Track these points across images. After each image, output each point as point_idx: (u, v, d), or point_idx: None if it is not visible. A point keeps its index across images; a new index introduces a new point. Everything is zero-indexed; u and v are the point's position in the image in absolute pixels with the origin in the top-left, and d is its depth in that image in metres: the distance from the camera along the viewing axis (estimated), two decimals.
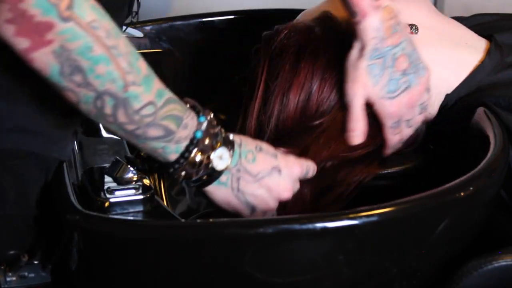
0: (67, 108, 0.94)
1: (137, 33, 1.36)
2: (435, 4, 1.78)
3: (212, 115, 0.93)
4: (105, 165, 0.98)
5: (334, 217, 0.87)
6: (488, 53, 1.17)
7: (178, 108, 0.90)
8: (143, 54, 1.33)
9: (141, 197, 0.94)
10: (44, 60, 0.82)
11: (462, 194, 0.92)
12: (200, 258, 0.88)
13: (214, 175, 0.94)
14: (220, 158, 0.93)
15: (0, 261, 0.94)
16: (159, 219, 0.95)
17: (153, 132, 0.88)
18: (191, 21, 1.42)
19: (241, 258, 0.87)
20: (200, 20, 1.38)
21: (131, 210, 0.94)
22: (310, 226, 0.85)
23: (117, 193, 0.94)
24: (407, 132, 1.09)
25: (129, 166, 0.95)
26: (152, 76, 0.88)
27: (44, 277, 0.94)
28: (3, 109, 0.91)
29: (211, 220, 0.94)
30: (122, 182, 0.95)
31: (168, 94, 0.90)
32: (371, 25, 1.02)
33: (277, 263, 0.88)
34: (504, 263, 0.93)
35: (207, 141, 0.92)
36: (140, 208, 0.94)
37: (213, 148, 0.92)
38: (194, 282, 0.90)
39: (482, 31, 1.23)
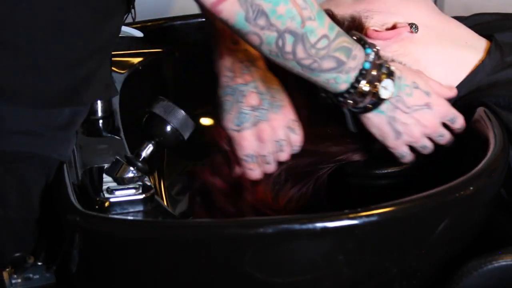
0: (68, 109, 0.94)
1: (137, 33, 1.36)
2: (435, 3, 1.77)
3: (377, 47, 1.01)
4: (105, 165, 0.98)
5: (334, 217, 0.87)
6: (488, 52, 1.16)
7: (347, 40, 0.98)
8: (143, 54, 1.35)
9: (141, 197, 0.94)
10: (230, 9, 0.90)
11: (462, 194, 0.92)
12: (200, 258, 0.88)
13: (378, 103, 1.02)
14: (385, 88, 1.01)
15: (5, 263, 0.94)
16: (159, 219, 0.95)
17: (327, 64, 0.96)
18: (191, 21, 1.42)
19: (241, 258, 0.87)
20: (200, 20, 1.38)
21: (131, 210, 0.94)
22: (310, 226, 0.85)
23: (117, 193, 0.94)
24: (268, 168, 1.10)
25: (129, 166, 0.95)
26: (322, 11, 0.96)
27: (49, 278, 0.94)
28: (3, 110, 0.92)
29: (211, 220, 0.94)
30: (122, 182, 0.95)
31: (337, 27, 0.97)
32: (223, 65, 1.09)
33: (277, 263, 0.88)
34: (504, 263, 0.93)
35: (374, 72, 0.99)
36: (140, 208, 0.94)
37: (379, 79, 1.00)
38: (194, 282, 0.90)
39: (482, 31, 1.23)
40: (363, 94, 1.00)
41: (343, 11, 1.16)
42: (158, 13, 1.56)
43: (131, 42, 1.34)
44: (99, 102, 1.13)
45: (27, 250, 0.96)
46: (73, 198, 0.92)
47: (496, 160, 0.96)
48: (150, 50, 1.35)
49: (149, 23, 1.39)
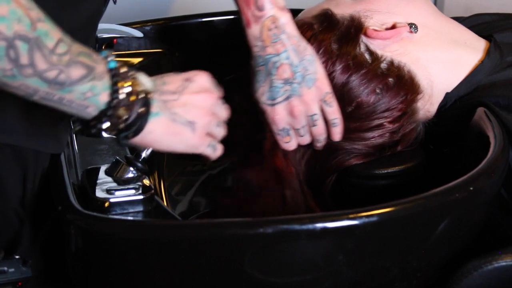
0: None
1: (137, 33, 1.36)
2: (435, 3, 1.77)
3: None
4: (105, 165, 0.98)
5: (334, 217, 0.87)
6: (488, 53, 1.17)
7: (78, 44, 0.84)
8: (143, 54, 1.35)
9: (141, 197, 0.94)
10: None
11: (462, 194, 0.92)
12: (200, 258, 0.88)
13: (147, 103, 0.87)
14: (144, 80, 0.88)
15: None
16: (159, 219, 0.95)
17: (75, 71, 0.82)
18: (191, 21, 1.42)
19: (241, 258, 0.87)
20: (200, 20, 1.38)
21: (131, 210, 0.94)
22: (310, 226, 0.86)
23: (117, 193, 0.94)
24: (303, 140, 1.10)
25: (129, 166, 0.95)
26: (47, 14, 0.82)
27: (25, 272, 0.93)
28: None
29: (211, 220, 0.94)
30: (122, 182, 0.95)
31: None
32: (252, 34, 1.05)
33: (277, 263, 0.88)
34: (504, 263, 0.93)
35: (122, 70, 0.87)
36: (140, 208, 0.94)
37: (133, 75, 0.87)
38: (193, 282, 0.90)
39: (481, 31, 1.23)
40: (129, 94, 0.86)
41: (342, 11, 1.16)
42: (158, 13, 1.56)
43: (131, 42, 1.34)
44: None
45: (3, 243, 0.94)
46: (73, 198, 0.92)
47: (496, 160, 0.96)
48: (150, 50, 1.35)
49: (149, 23, 1.38)
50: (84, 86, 0.83)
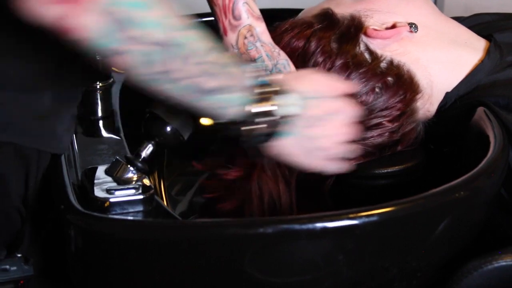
0: (48, 96, 0.91)
1: None
2: (435, 3, 1.77)
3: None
4: (105, 165, 0.98)
5: (334, 217, 0.87)
6: (488, 52, 1.17)
7: (225, 54, 0.90)
8: None
9: (141, 197, 0.94)
10: (88, 22, 0.75)
11: (462, 194, 0.92)
12: (200, 258, 0.88)
13: (283, 123, 0.92)
14: (284, 100, 0.92)
15: None
16: (159, 219, 0.95)
17: (221, 81, 0.86)
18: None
19: (241, 258, 0.87)
20: (200, 20, 1.38)
21: (131, 210, 0.94)
22: (310, 226, 0.85)
23: (117, 193, 0.94)
24: None
25: (129, 166, 0.95)
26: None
27: (27, 270, 0.93)
28: None
29: (211, 220, 0.94)
30: (122, 182, 0.95)
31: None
32: (228, 41, 1.08)
33: (277, 263, 0.87)
34: (504, 263, 0.93)
35: (266, 89, 0.90)
36: (140, 208, 0.94)
37: (273, 93, 0.91)
38: (193, 282, 0.90)
39: (481, 31, 1.23)
40: (268, 113, 0.90)
41: (343, 10, 1.16)
42: None
43: None
44: (99, 102, 1.13)
45: (5, 242, 0.95)
46: (73, 198, 0.92)
47: (496, 160, 0.96)
48: None
49: None
50: (226, 96, 0.87)
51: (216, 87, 0.86)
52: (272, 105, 0.91)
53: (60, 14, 0.74)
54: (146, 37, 0.78)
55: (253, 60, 1.07)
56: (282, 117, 0.92)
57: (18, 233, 0.97)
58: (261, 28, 1.08)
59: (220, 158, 1.15)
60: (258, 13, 1.08)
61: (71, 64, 0.92)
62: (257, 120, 0.90)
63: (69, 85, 0.95)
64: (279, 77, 0.94)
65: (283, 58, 1.08)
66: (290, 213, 1.11)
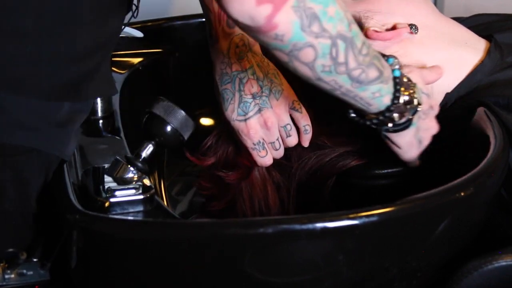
0: (67, 105, 0.93)
1: (137, 33, 1.36)
2: (435, 4, 1.77)
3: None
4: (105, 165, 0.98)
5: (334, 217, 0.87)
6: (488, 53, 1.17)
7: (373, 48, 0.94)
8: (143, 54, 1.34)
9: (141, 197, 0.94)
10: (286, 19, 0.83)
11: (462, 194, 0.92)
12: (200, 258, 0.88)
13: (415, 113, 0.99)
14: (420, 92, 0.99)
15: None
16: (159, 219, 0.95)
17: (372, 73, 0.92)
18: (191, 21, 1.41)
19: (241, 258, 0.87)
20: (200, 20, 1.38)
21: (131, 210, 0.94)
22: (310, 226, 0.85)
23: (117, 193, 0.94)
24: (277, 154, 1.10)
25: (129, 166, 0.95)
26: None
27: (43, 275, 0.93)
28: (4, 100, 0.91)
29: (211, 220, 0.94)
30: (122, 182, 0.95)
31: None
32: (219, 49, 1.08)
33: (277, 263, 0.88)
34: (504, 263, 0.93)
35: (405, 79, 0.97)
36: (140, 208, 0.94)
37: (412, 86, 0.98)
38: (193, 282, 0.90)
39: (482, 31, 1.23)
40: (406, 104, 0.97)
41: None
42: (158, 13, 1.56)
43: (131, 42, 1.34)
44: (99, 102, 1.13)
45: (23, 246, 0.95)
46: (73, 198, 0.92)
47: (496, 160, 0.96)
48: (150, 50, 1.35)
49: (149, 23, 1.38)
50: (375, 86, 0.94)
51: (376, 77, 0.93)
52: (412, 95, 0.97)
53: (269, 12, 0.82)
54: (332, 30, 0.86)
55: (244, 70, 1.07)
56: (417, 105, 0.98)
57: (35, 237, 0.98)
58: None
59: (214, 155, 1.16)
60: None
61: (90, 80, 0.96)
62: (400, 109, 0.97)
63: (85, 98, 0.99)
64: (406, 70, 1.00)
65: (272, 68, 1.09)
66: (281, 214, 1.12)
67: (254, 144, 1.08)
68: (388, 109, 0.97)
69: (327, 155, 1.13)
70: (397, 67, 0.97)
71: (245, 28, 0.86)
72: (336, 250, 0.88)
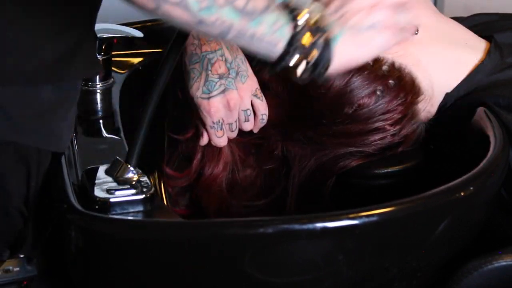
0: (47, 92, 0.90)
1: (137, 33, 1.35)
2: (435, 4, 1.77)
3: None
4: (105, 165, 0.98)
5: (334, 217, 0.87)
6: (488, 53, 1.17)
7: None
8: (143, 54, 1.34)
9: (141, 196, 0.94)
10: None
11: (462, 194, 0.92)
12: (200, 258, 0.88)
13: (327, 26, 0.87)
14: (317, 7, 0.88)
15: None
16: (159, 219, 0.95)
17: (260, 2, 0.84)
18: None
19: (241, 258, 0.87)
20: None
21: (131, 210, 0.94)
22: (310, 226, 0.86)
23: (117, 193, 0.94)
24: (231, 135, 1.12)
25: (129, 166, 0.95)
26: None
27: (30, 271, 0.93)
28: None
29: (211, 220, 0.94)
30: (122, 182, 0.95)
31: None
32: (190, 33, 1.04)
33: (277, 263, 0.88)
34: (504, 263, 0.93)
35: (292, 2, 0.87)
36: (140, 208, 0.94)
37: (304, 3, 0.87)
38: (193, 282, 0.90)
39: (482, 31, 1.23)
40: (309, 20, 0.86)
41: None
42: None
43: (131, 42, 1.34)
44: (99, 102, 1.13)
45: (8, 242, 0.94)
46: (73, 198, 0.92)
47: (496, 160, 0.96)
48: (150, 50, 1.35)
49: (149, 23, 1.38)
50: (271, 16, 0.84)
51: (266, 5, 0.84)
52: (307, 12, 0.86)
53: None
54: None
55: (214, 51, 1.08)
56: (321, 17, 0.87)
57: (20, 233, 0.97)
58: None
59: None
60: None
61: (71, 57, 0.92)
62: (305, 31, 0.86)
63: (69, 79, 0.94)
64: None
65: (241, 54, 1.10)
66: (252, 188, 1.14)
67: (213, 123, 1.09)
68: (294, 35, 0.86)
69: (327, 155, 1.13)
70: None
71: None
72: (336, 250, 0.88)
